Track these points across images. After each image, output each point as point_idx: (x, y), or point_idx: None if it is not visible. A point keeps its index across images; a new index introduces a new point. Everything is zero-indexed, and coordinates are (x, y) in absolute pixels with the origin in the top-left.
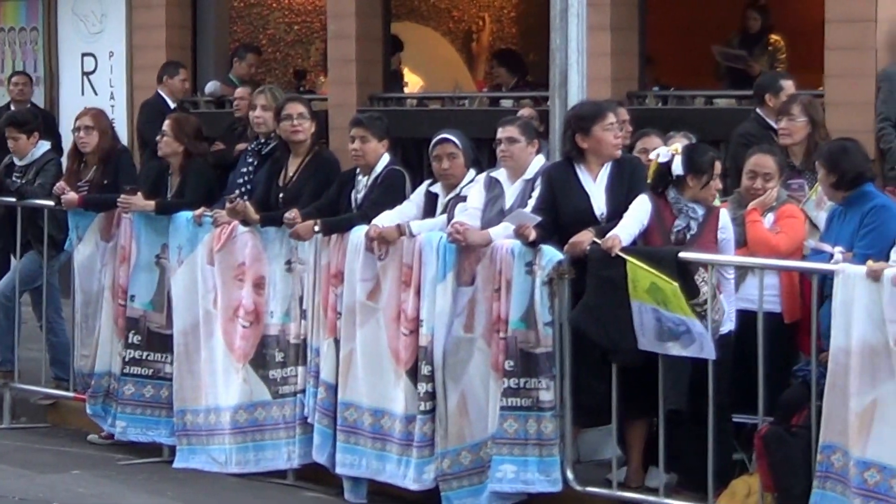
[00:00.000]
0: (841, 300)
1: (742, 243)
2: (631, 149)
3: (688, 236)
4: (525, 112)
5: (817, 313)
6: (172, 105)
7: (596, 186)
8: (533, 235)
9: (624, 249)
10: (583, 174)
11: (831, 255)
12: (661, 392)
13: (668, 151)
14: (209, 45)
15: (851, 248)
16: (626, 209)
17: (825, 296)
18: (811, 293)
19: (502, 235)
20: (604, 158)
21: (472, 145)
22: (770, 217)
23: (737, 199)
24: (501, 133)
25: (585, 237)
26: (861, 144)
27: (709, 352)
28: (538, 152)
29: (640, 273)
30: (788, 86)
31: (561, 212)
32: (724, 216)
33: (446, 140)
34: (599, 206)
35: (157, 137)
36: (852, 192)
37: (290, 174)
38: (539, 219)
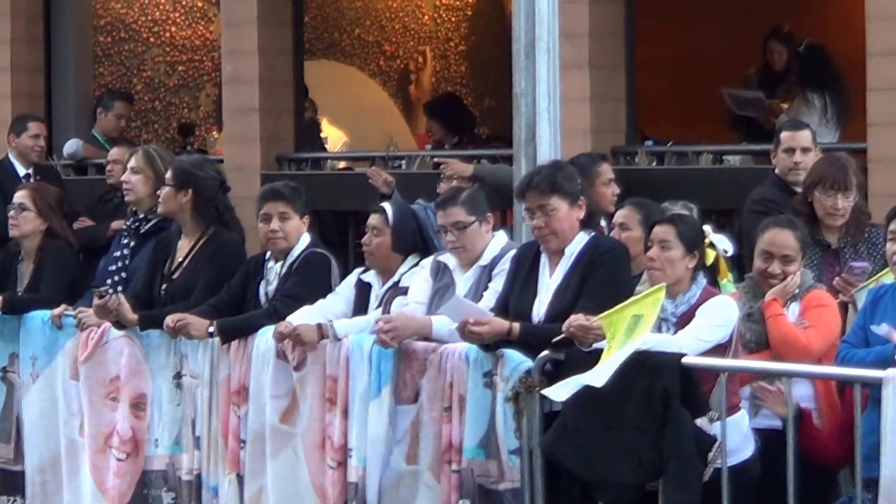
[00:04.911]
0: (893, 417)
1: (764, 344)
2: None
3: None
4: (452, 169)
5: (861, 432)
6: (24, 172)
7: (552, 281)
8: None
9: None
10: (543, 263)
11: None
12: None
13: None
14: (67, 93)
15: None
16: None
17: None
18: (852, 405)
19: (448, 327)
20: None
21: (414, 226)
22: (794, 308)
23: (750, 286)
24: (443, 218)
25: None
26: None
27: None
28: (495, 228)
29: (615, 317)
30: (800, 137)
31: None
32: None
33: (377, 210)
34: (541, 309)
35: (10, 213)
36: None
37: (180, 260)
38: (491, 315)
